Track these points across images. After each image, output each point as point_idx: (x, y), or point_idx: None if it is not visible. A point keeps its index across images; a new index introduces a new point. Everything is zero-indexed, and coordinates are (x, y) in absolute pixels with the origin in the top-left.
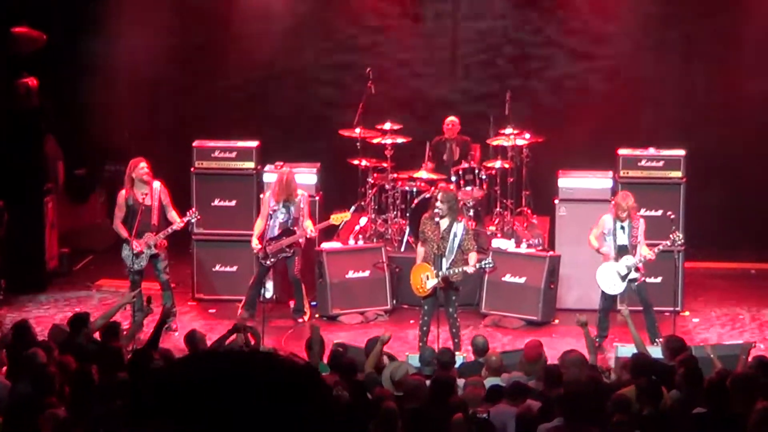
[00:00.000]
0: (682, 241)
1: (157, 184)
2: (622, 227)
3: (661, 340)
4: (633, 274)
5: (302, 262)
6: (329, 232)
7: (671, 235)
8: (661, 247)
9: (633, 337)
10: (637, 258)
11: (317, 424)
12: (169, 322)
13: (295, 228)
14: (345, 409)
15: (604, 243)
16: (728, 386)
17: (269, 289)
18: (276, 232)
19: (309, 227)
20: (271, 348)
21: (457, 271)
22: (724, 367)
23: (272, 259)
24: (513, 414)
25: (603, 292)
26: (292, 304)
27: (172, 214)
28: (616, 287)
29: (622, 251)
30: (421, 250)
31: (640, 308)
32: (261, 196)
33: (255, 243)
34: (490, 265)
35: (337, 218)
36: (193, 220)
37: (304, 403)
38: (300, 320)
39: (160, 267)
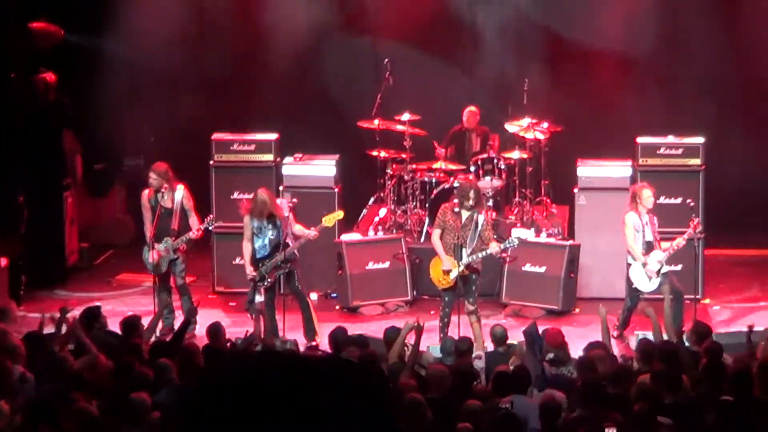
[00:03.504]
0: (696, 222)
1: (180, 188)
2: (646, 222)
3: (684, 329)
4: (665, 267)
5: (302, 274)
6: (349, 224)
7: (691, 223)
8: (686, 235)
9: (666, 325)
10: (669, 250)
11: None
12: (193, 324)
13: (288, 241)
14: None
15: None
16: (752, 373)
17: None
18: (268, 251)
19: (304, 231)
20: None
21: (478, 257)
22: (747, 354)
23: (269, 280)
24: (534, 406)
25: (630, 290)
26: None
27: (193, 220)
28: (652, 283)
29: (649, 247)
30: (437, 239)
31: (661, 297)
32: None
33: (249, 270)
34: (515, 244)
35: (329, 219)
36: (210, 227)
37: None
38: (313, 342)
39: (177, 271)
